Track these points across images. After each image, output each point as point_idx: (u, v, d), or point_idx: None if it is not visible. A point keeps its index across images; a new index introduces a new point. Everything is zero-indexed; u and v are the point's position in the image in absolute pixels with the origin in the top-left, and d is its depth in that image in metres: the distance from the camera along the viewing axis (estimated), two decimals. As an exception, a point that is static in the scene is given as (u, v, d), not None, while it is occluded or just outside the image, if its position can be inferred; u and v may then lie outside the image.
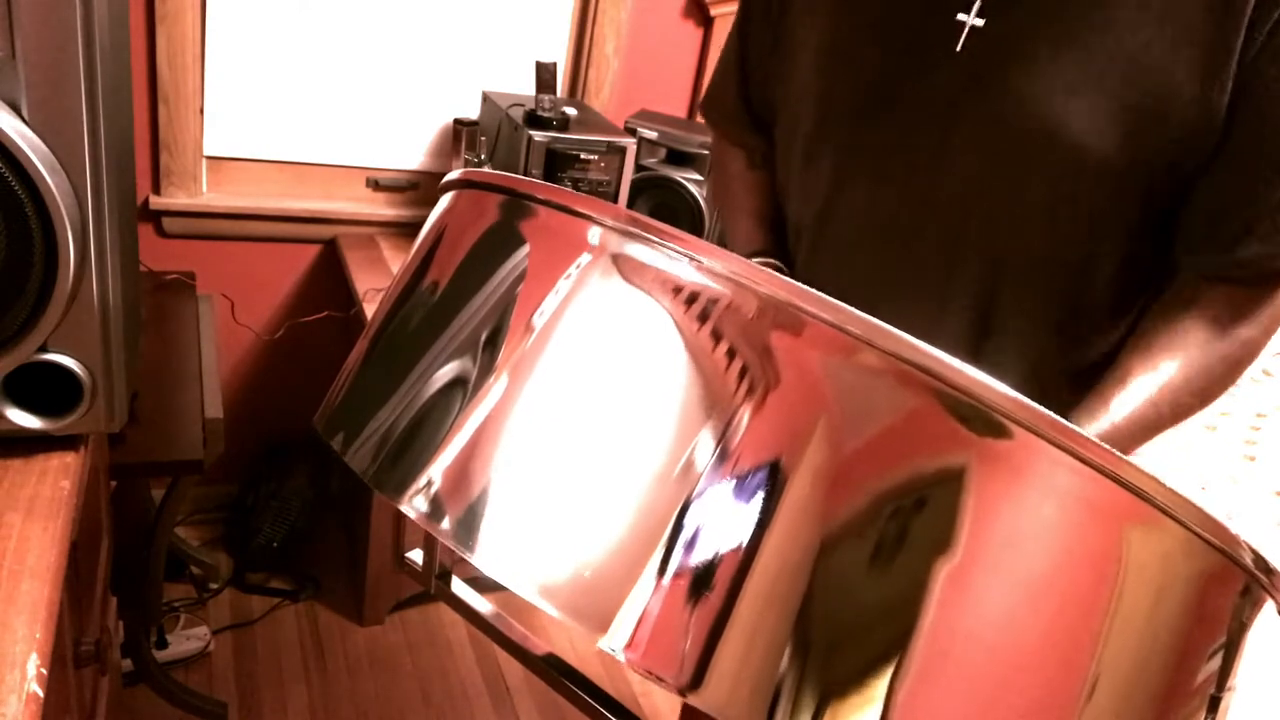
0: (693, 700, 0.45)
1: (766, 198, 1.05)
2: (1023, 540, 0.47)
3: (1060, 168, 0.79)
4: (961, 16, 0.80)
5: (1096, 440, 0.46)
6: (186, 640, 1.84)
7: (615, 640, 0.46)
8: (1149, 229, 0.82)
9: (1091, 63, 0.76)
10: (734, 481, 0.46)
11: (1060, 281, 0.85)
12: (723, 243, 0.85)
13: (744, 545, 0.46)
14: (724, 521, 0.46)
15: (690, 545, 0.46)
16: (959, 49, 0.80)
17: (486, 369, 0.53)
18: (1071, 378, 0.87)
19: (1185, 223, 0.81)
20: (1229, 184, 0.77)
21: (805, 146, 0.94)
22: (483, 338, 0.54)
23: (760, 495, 0.46)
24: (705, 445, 0.47)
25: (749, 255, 1.02)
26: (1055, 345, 0.88)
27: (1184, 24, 0.73)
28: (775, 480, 0.46)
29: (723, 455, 0.47)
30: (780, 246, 1.03)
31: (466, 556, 0.49)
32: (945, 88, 0.82)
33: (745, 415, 0.47)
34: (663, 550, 0.46)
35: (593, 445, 0.49)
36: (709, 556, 0.46)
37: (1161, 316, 0.82)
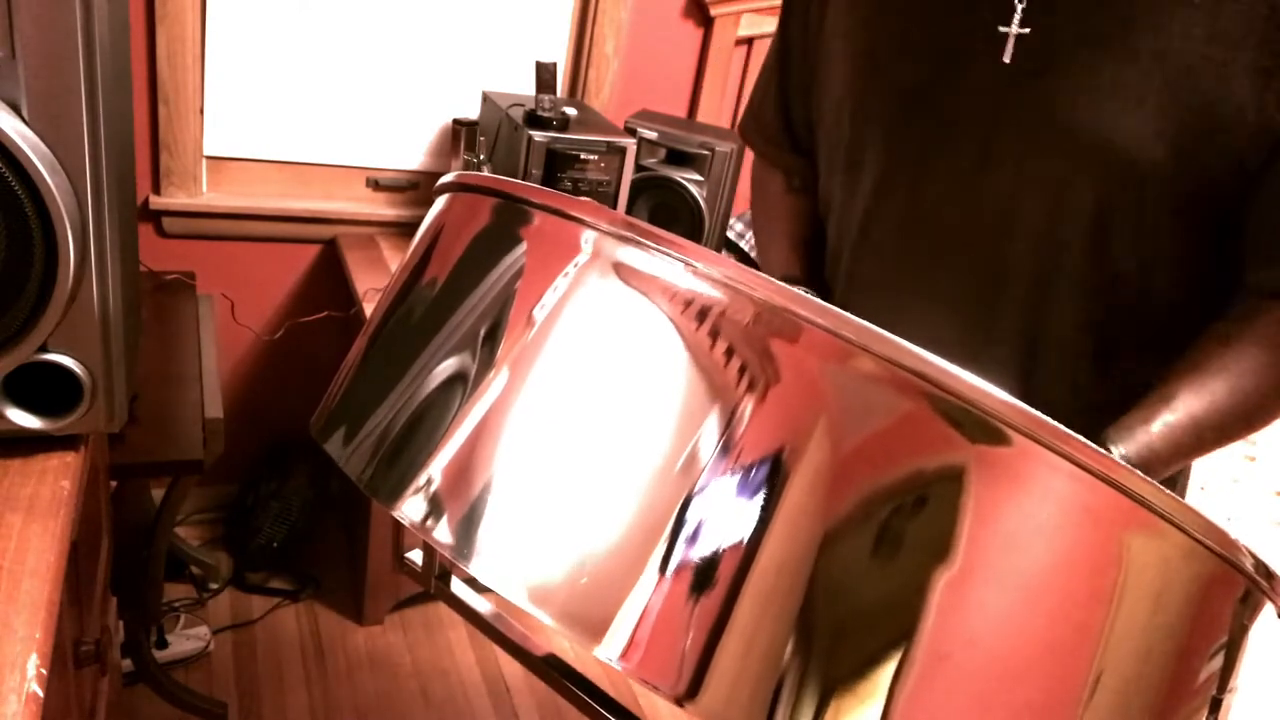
0: (690, 709, 0.45)
1: (804, 222, 1.04)
2: (1022, 544, 0.47)
3: (1108, 178, 0.76)
4: (1003, 28, 0.78)
5: (1094, 446, 0.46)
6: (186, 640, 1.84)
7: (612, 648, 0.46)
8: (1206, 246, 0.79)
9: (1139, 70, 0.73)
10: (737, 475, 0.46)
11: (1110, 300, 0.81)
12: (749, 261, 0.84)
13: (745, 541, 0.46)
14: (726, 516, 0.46)
15: (692, 540, 0.46)
16: (1007, 59, 0.78)
17: (486, 364, 0.53)
18: (1112, 407, 0.81)
19: (1249, 237, 0.77)
20: None
21: (846, 156, 0.92)
22: (482, 332, 0.54)
23: (762, 490, 0.46)
24: (709, 438, 0.47)
25: (782, 280, 1.01)
26: (1105, 372, 0.84)
27: (1239, 31, 0.71)
28: (777, 474, 0.46)
29: (725, 448, 0.47)
30: (816, 273, 1.01)
31: (462, 565, 0.49)
32: (987, 95, 0.80)
33: (748, 409, 0.47)
34: (665, 545, 0.46)
35: (594, 440, 0.49)
36: (710, 552, 0.46)
37: (1216, 336, 0.78)
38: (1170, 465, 0.76)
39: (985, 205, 0.82)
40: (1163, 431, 0.75)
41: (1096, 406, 0.82)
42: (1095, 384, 0.84)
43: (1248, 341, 0.76)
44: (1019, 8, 0.78)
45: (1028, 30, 0.77)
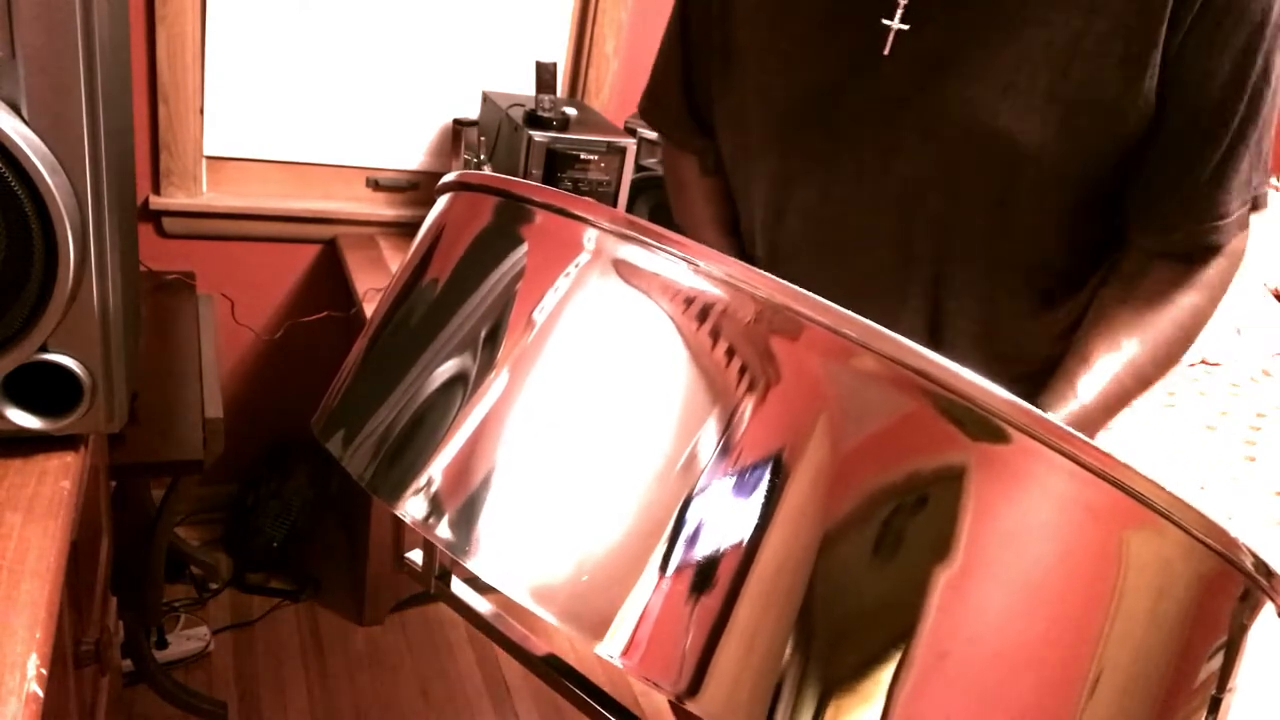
0: (692, 706, 0.45)
1: (725, 203, 1.05)
2: (1022, 543, 0.47)
3: (1001, 165, 0.81)
4: (886, 21, 0.81)
5: (1094, 444, 0.46)
6: (186, 640, 1.84)
7: (613, 645, 0.46)
8: (1093, 217, 0.85)
9: (1023, 60, 0.77)
10: (736, 476, 0.46)
11: (1010, 275, 0.87)
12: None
13: (745, 541, 0.46)
14: (726, 517, 0.46)
15: (692, 540, 0.46)
16: (886, 53, 0.82)
17: (487, 365, 0.53)
18: (1022, 374, 0.89)
19: (1130, 205, 0.83)
20: (1162, 168, 0.80)
21: (753, 151, 0.95)
22: (483, 333, 0.54)
23: (762, 490, 0.46)
24: (708, 439, 0.47)
25: None
26: (1007, 340, 0.90)
27: (1110, 17, 0.75)
28: (777, 475, 0.46)
29: (725, 450, 0.47)
30: (744, 253, 1.04)
31: (463, 562, 0.49)
32: (883, 93, 0.83)
33: (747, 410, 0.47)
34: (664, 546, 0.46)
35: (594, 441, 0.49)
36: (711, 552, 0.46)
37: (1115, 295, 0.85)
38: (1105, 418, 0.83)
39: (889, 198, 0.86)
40: (1089, 390, 0.81)
41: (1002, 379, 0.87)
42: (999, 357, 0.90)
43: (1145, 296, 0.84)
44: (901, 4, 0.81)
45: (907, 27, 0.80)
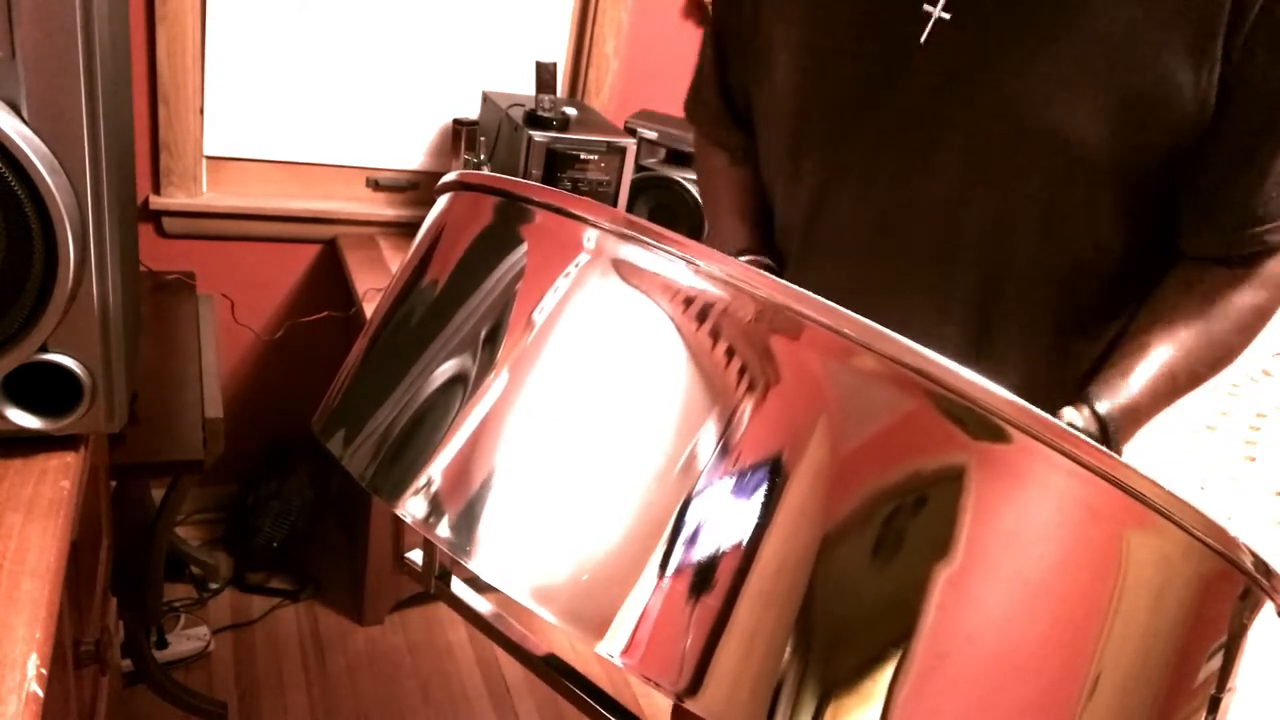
0: (692, 705, 0.45)
1: (752, 194, 1.03)
2: (1022, 542, 0.47)
3: (1051, 164, 0.78)
4: (927, 7, 0.78)
5: (1094, 443, 0.46)
6: (186, 640, 1.84)
7: (613, 645, 0.46)
8: (1146, 221, 0.81)
9: (1075, 52, 0.74)
10: (735, 477, 0.46)
11: (1059, 283, 0.84)
12: (712, 243, 0.84)
13: (745, 542, 0.46)
14: (725, 518, 0.46)
15: (691, 542, 0.46)
16: (923, 41, 0.78)
17: (487, 365, 0.53)
18: (1065, 385, 0.86)
19: (1184, 207, 0.80)
20: (1218, 167, 0.77)
21: (788, 151, 0.92)
22: (482, 334, 0.54)
23: (762, 491, 0.46)
24: (707, 441, 0.47)
25: (735, 254, 1.01)
26: (1053, 352, 0.87)
27: (1173, 9, 0.72)
28: (777, 476, 0.46)
29: (724, 451, 0.47)
30: (767, 244, 1.01)
31: (463, 562, 0.49)
32: (924, 88, 0.80)
33: (746, 411, 0.47)
34: (664, 547, 0.46)
35: (594, 441, 0.49)
36: (710, 553, 0.46)
37: (1174, 289, 0.82)
38: (1151, 412, 0.80)
39: (934, 201, 0.83)
40: (1141, 381, 0.78)
41: (1050, 384, 0.86)
42: (1044, 368, 0.87)
43: (1202, 294, 0.81)
44: None
45: (949, 15, 0.77)
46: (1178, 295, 0.82)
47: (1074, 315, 0.86)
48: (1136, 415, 0.78)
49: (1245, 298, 0.81)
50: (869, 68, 0.83)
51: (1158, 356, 0.79)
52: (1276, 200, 0.77)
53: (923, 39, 0.78)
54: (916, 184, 0.83)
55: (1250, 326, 0.82)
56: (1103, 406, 0.76)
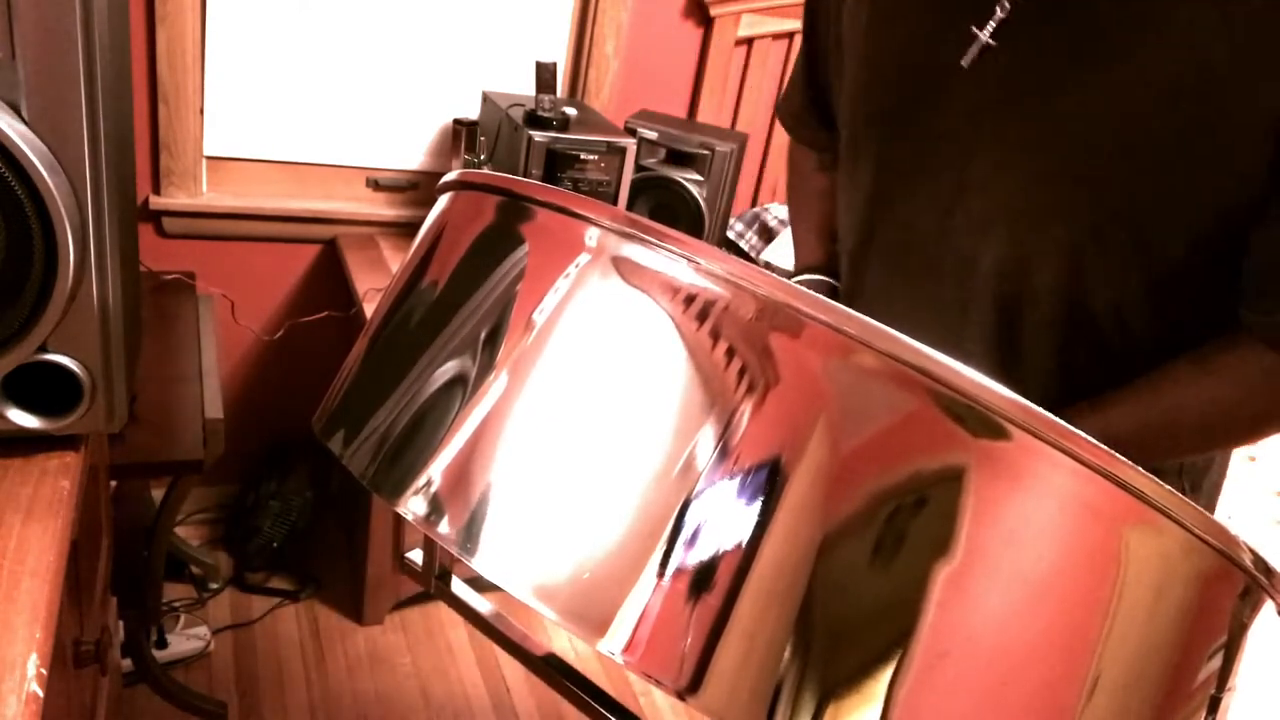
0: (692, 703, 0.45)
1: (831, 204, 1.01)
2: (1022, 541, 0.47)
3: (1076, 211, 0.72)
4: (975, 30, 0.75)
5: (1095, 442, 0.46)
6: (186, 640, 1.84)
7: (614, 642, 0.46)
8: (1192, 279, 0.73)
9: (1117, 80, 0.68)
10: (734, 479, 0.46)
11: (1084, 330, 0.78)
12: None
13: (744, 543, 0.46)
14: (724, 519, 0.46)
15: (691, 543, 0.46)
16: (966, 64, 0.75)
17: (486, 366, 0.53)
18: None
19: (1247, 276, 0.71)
20: (1274, 239, 0.68)
21: (848, 158, 0.91)
22: (482, 335, 0.54)
23: (760, 493, 0.46)
24: (706, 443, 0.47)
25: (803, 269, 1.01)
26: (1071, 396, 0.81)
27: (1235, 48, 0.64)
28: (775, 478, 0.46)
29: (723, 453, 0.47)
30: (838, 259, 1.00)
31: (465, 559, 0.49)
32: (960, 112, 0.78)
33: (745, 413, 0.47)
34: (663, 548, 0.46)
35: (593, 443, 0.49)
36: (709, 554, 0.46)
37: (1190, 359, 0.75)
38: (1142, 446, 0.73)
39: (958, 227, 0.80)
40: (1128, 421, 0.75)
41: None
42: (1065, 405, 0.81)
43: (1219, 372, 0.73)
44: (997, 14, 0.73)
45: (995, 42, 0.74)
46: (1190, 364, 0.75)
47: (1091, 367, 0.80)
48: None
49: (1267, 386, 0.72)
50: (914, 83, 0.82)
51: (1160, 402, 0.74)
52: None
53: (965, 61, 0.75)
54: (945, 207, 0.81)
55: (1260, 420, 0.74)
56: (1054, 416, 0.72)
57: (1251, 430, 0.76)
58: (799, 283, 0.93)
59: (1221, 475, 0.91)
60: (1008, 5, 0.73)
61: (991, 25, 0.74)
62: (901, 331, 0.89)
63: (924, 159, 0.82)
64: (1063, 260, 0.75)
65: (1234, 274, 0.71)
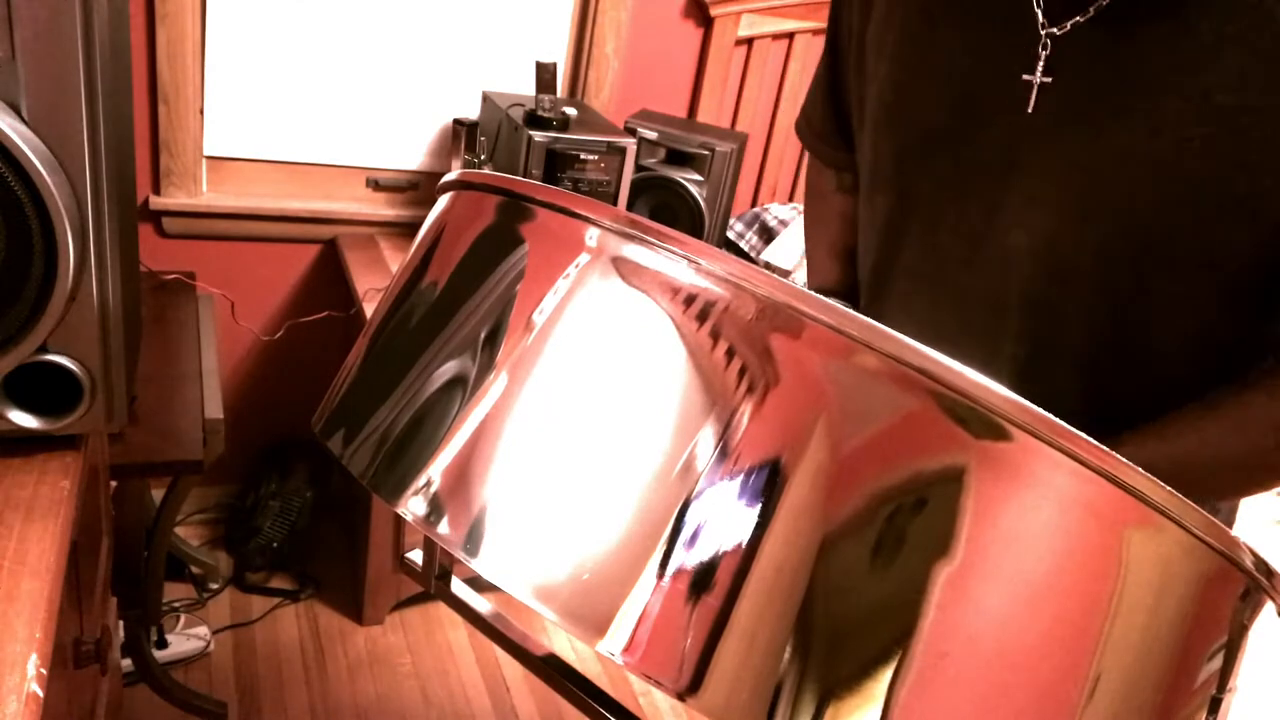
0: (692, 704, 0.45)
1: (850, 227, 1.00)
2: (1022, 542, 0.47)
3: (1113, 242, 0.72)
4: (1027, 77, 0.74)
5: (1095, 443, 0.46)
6: (186, 640, 1.84)
7: (614, 643, 0.46)
8: (1230, 317, 0.73)
9: (1171, 124, 0.68)
10: (734, 480, 0.46)
11: (1115, 366, 0.77)
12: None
13: (744, 544, 0.46)
14: (724, 520, 0.46)
15: (690, 544, 0.46)
16: (1031, 109, 0.74)
17: (486, 367, 0.53)
18: None
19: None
20: None
21: (869, 181, 0.90)
22: (482, 336, 0.54)
23: (761, 493, 0.46)
24: (705, 443, 0.47)
25: (819, 289, 1.00)
26: (1099, 425, 0.78)
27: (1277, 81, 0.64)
28: (775, 479, 0.46)
29: (723, 453, 0.47)
30: (857, 284, 0.99)
31: (465, 560, 0.49)
32: (1003, 148, 0.77)
33: (745, 414, 0.47)
34: (663, 549, 0.46)
35: (593, 443, 0.49)
36: (709, 555, 0.46)
37: (1229, 392, 0.74)
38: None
39: (986, 261, 0.80)
40: (1143, 457, 0.71)
41: None
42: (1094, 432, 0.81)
43: (1254, 395, 0.72)
44: (1042, 55, 0.73)
45: (1050, 80, 0.73)
46: (1228, 397, 0.74)
47: (1127, 402, 0.79)
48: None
49: None
50: (947, 118, 0.81)
51: (1177, 443, 0.73)
52: None
53: (1030, 108, 0.74)
54: (976, 237, 0.80)
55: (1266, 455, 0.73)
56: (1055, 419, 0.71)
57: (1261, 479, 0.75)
58: None
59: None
60: (1049, 44, 0.73)
61: (1040, 65, 0.73)
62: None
63: (954, 190, 0.81)
64: (1097, 296, 0.75)
65: (1260, 318, 0.72)
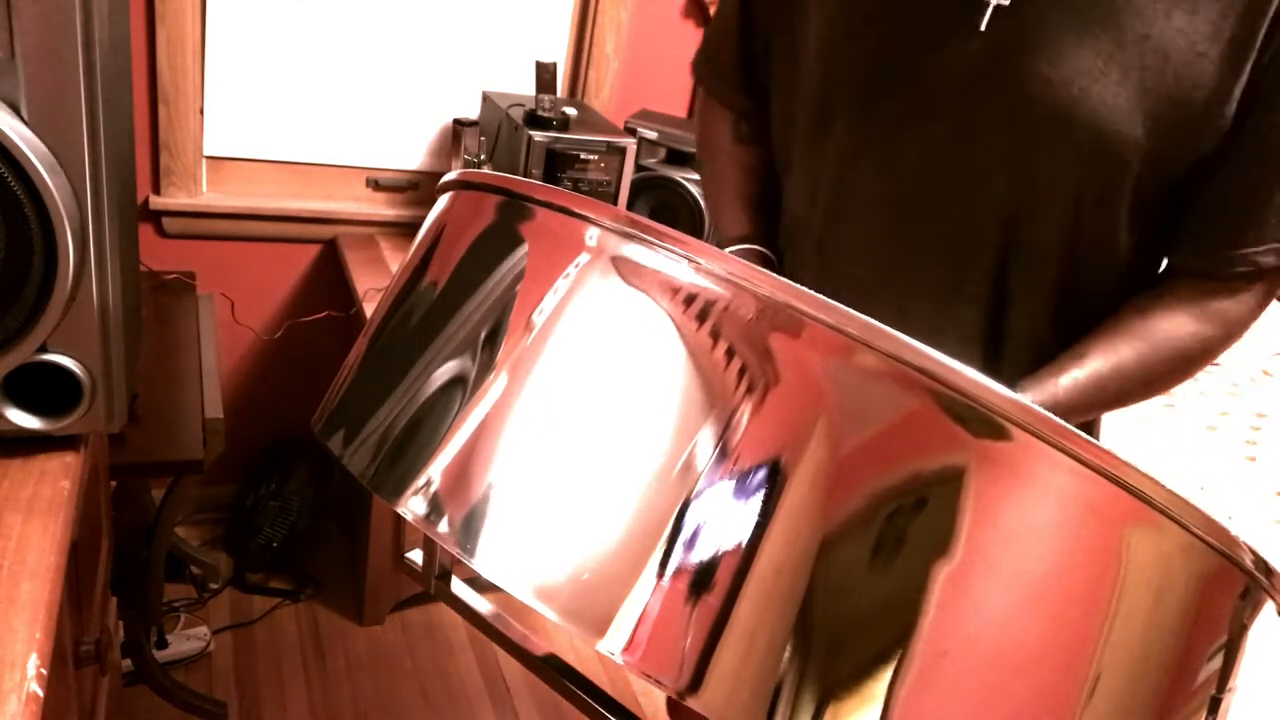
0: (693, 703, 0.45)
1: (755, 177, 1.02)
2: (1022, 541, 0.47)
3: (1085, 157, 0.79)
4: None
5: (1095, 442, 0.46)
6: (186, 640, 1.84)
7: (614, 642, 0.46)
8: (1162, 220, 0.83)
9: (1120, 48, 0.76)
10: (734, 480, 0.46)
11: (1072, 270, 0.85)
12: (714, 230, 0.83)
13: (744, 544, 0.46)
14: (724, 520, 0.46)
15: (690, 544, 0.46)
16: (983, 28, 0.79)
17: (486, 367, 0.53)
18: None
19: (1186, 218, 0.82)
20: (1231, 183, 0.79)
21: (814, 118, 0.91)
22: (482, 336, 0.54)
23: (760, 494, 0.46)
24: (705, 444, 0.47)
25: (735, 240, 1.00)
26: (1063, 334, 0.88)
27: (1215, 15, 0.74)
28: (775, 479, 0.46)
29: (723, 454, 0.47)
30: (768, 234, 1.00)
31: (465, 559, 0.49)
32: (966, 67, 0.80)
33: (745, 414, 0.47)
34: (663, 549, 0.46)
35: (593, 443, 0.49)
36: (709, 555, 0.46)
37: (1135, 307, 0.84)
38: (1074, 415, 0.82)
39: (958, 177, 0.83)
40: (1069, 385, 0.81)
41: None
42: (1054, 345, 0.87)
43: (1160, 313, 0.83)
44: None
45: (1008, 2, 0.78)
46: (1134, 312, 0.84)
47: (1074, 305, 0.87)
48: (1057, 412, 0.78)
49: (1198, 328, 0.82)
50: (906, 40, 0.84)
51: (1091, 366, 0.82)
52: (1269, 227, 0.79)
53: (982, 26, 0.79)
54: (944, 158, 0.83)
55: (1193, 359, 0.84)
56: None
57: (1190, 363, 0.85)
58: (732, 253, 0.91)
59: None
60: None
61: None
62: (898, 283, 0.87)
63: (915, 112, 0.84)
64: (1066, 200, 0.81)
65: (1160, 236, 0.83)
